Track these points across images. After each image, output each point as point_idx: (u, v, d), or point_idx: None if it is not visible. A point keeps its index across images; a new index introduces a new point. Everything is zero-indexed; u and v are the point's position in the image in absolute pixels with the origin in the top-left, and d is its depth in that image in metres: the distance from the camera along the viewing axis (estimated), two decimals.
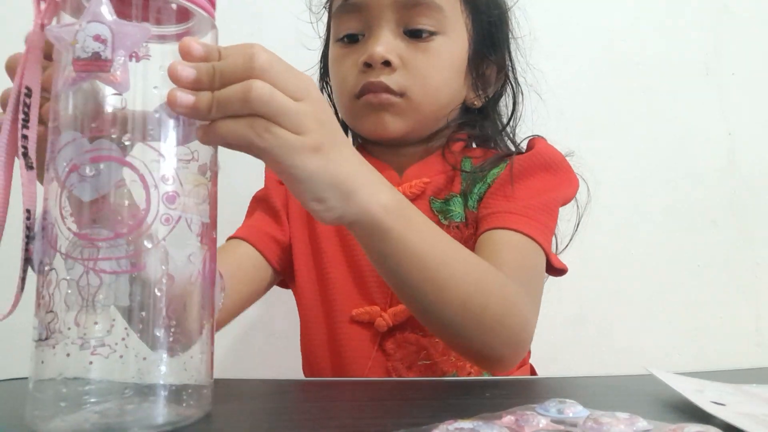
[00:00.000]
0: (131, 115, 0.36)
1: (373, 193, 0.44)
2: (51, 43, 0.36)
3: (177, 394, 0.36)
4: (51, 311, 0.34)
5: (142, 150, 0.36)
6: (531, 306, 0.56)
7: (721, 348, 1.05)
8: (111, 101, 0.35)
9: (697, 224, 1.08)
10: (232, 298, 0.64)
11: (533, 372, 0.74)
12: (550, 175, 0.67)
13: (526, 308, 0.54)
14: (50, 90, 0.36)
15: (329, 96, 0.75)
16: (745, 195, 1.09)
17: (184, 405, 0.37)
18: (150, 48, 0.36)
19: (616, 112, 1.09)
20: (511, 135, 0.75)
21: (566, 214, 0.72)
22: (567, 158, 0.69)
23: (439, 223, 0.66)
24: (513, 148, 0.73)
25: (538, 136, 0.72)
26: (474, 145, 0.74)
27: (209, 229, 0.39)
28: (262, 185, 0.76)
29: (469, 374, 0.65)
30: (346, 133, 0.71)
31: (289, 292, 0.75)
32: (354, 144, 0.74)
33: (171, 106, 0.36)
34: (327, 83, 0.76)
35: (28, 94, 0.37)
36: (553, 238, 0.67)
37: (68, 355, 0.34)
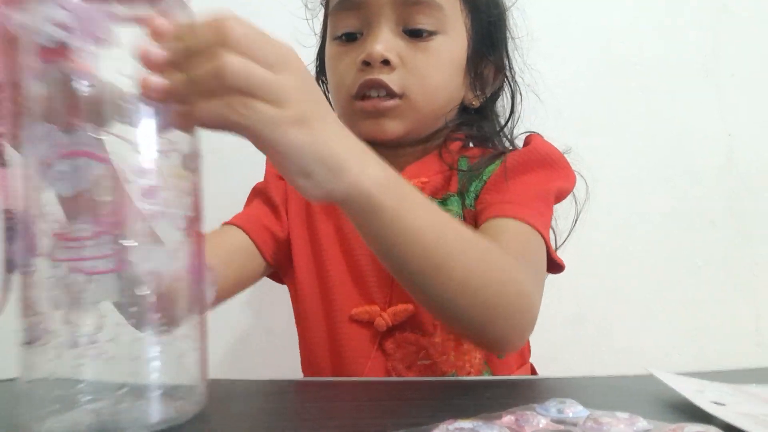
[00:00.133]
0: (103, 105, 0.34)
1: (363, 167, 0.42)
2: (15, 32, 0.34)
3: (170, 392, 0.36)
4: (37, 313, 0.34)
5: (117, 143, 0.34)
6: (535, 287, 0.55)
7: (721, 347, 1.05)
8: (81, 91, 0.34)
9: (695, 224, 1.08)
10: (219, 284, 0.63)
11: (534, 372, 0.74)
12: (546, 170, 0.66)
13: (530, 287, 0.53)
14: (19, 82, 0.34)
15: (325, 95, 0.75)
16: (744, 194, 1.09)
17: (177, 403, 0.36)
18: (118, 32, 0.34)
19: (615, 112, 1.09)
20: (509, 135, 0.75)
21: (564, 212, 0.72)
22: (565, 155, 0.69)
23: None
24: (511, 147, 0.73)
25: (534, 132, 0.72)
26: (471, 145, 0.73)
27: (194, 222, 0.38)
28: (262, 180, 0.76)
29: (468, 374, 0.65)
30: None
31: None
32: None
33: (144, 92, 0.34)
34: (323, 81, 0.76)
35: None
36: (552, 234, 0.67)
37: (58, 356, 0.33)
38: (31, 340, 0.34)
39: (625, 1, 1.12)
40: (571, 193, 0.70)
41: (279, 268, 0.73)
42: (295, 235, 0.71)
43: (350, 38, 0.68)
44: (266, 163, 0.76)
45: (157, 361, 0.35)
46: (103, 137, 0.34)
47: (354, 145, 0.43)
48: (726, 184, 1.09)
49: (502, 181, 0.64)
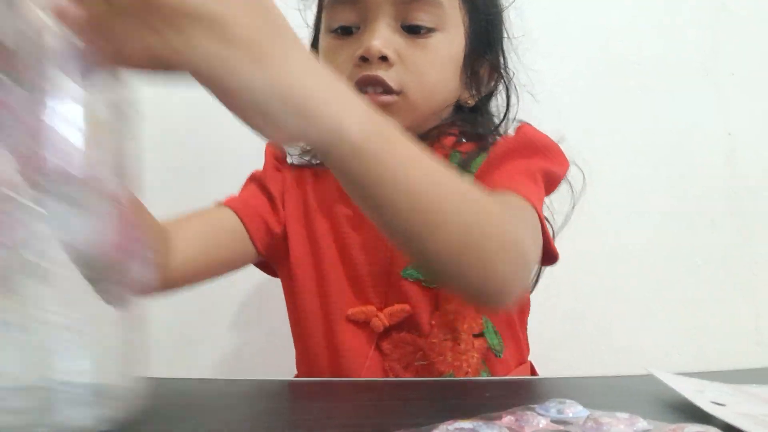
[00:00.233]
0: (8, 49, 0.28)
1: (340, 107, 0.37)
2: None
3: (93, 394, 0.31)
4: None
5: (27, 95, 0.28)
6: (531, 240, 0.52)
7: (721, 347, 1.05)
8: None
9: (695, 223, 1.08)
10: (198, 259, 0.62)
11: (533, 370, 0.74)
12: (534, 154, 0.65)
13: (525, 235, 0.50)
14: None
15: None
16: (744, 194, 1.09)
17: (102, 406, 0.32)
18: None
19: (614, 111, 1.09)
20: (503, 134, 0.74)
21: (560, 206, 0.71)
22: (559, 144, 0.68)
23: None
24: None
25: (525, 122, 0.71)
26: (464, 141, 0.72)
27: (122, 189, 0.32)
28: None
29: (466, 374, 0.65)
30: None
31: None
32: None
33: (59, 19, 0.29)
34: None
35: None
36: (549, 227, 0.66)
37: None
38: None
39: (625, 1, 1.12)
40: (567, 182, 0.69)
41: (272, 261, 0.72)
42: (292, 231, 0.70)
43: (346, 32, 0.66)
44: (265, 153, 0.75)
45: (77, 358, 0.30)
46: (7, 82, 0.28)
47: (330, 84, 0.37)
48: (726, 183, 1.09)
49: (490, 168, 0.64)
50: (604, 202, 1.02)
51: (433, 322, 0.65)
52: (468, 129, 0.72)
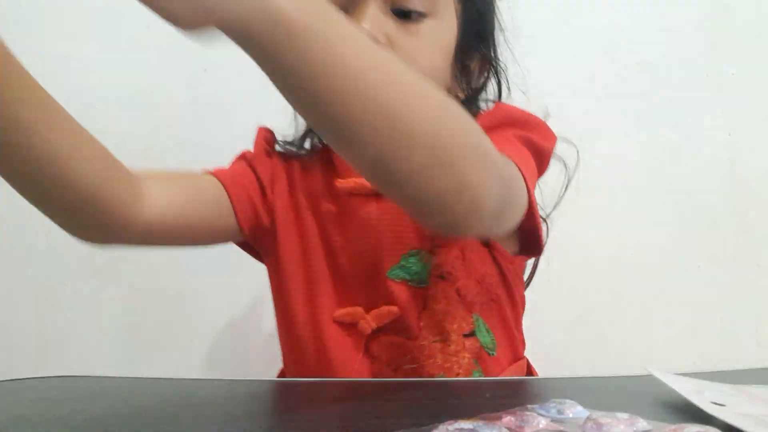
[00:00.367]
0: None
1: None
2: None
3: None
4: None
5: None
6: (508, 174, 0.46)
7: (721, 348, 1.05)
8: None
9: (697, 225, 1.08)
10: (176, 216, 0.57)
11: (530, 368, 0.73)
12: (512, 127, 0.61)
13: (498, 159, 0.44)
14: None
15: None
16: (745, 195, 1.09)
17: None
18: None
19: (616, 112, 1.09)
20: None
21: (560, 209, 0.71)
22: (545, 121, 0.65)
23: None
24: None
25: (499, 101, 0.68)
26: None
27: None
28: None
29: (457, 375, 0.63)
30: None
31: None
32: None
33: None
34: None
35: None
36: (544, 225, 0.64)
37: None
38: None
39: (626, 1, 1.12)
40: (567, 183, 0.68)
41: (257, 246, 0.70)
42: (281, 225, 0.68)
43: None
44: (257, 135, 0.72)
45: None
46: None
47: None
48: (727, 185, 1.09)
49: None
50: (605, 203, 1.02)
51: (421, 324, 0.63)
52: None
